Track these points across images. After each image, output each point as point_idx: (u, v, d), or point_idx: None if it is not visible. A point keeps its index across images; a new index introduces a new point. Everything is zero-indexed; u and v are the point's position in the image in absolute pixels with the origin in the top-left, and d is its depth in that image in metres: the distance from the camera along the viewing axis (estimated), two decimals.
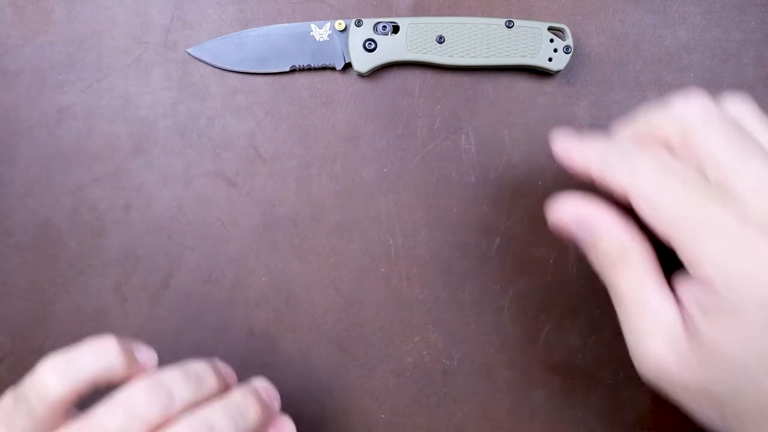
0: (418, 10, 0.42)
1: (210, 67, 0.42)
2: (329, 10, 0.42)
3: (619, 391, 0.41)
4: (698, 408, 0.26)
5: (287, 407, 0.41)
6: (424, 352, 0.41)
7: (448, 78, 0.42)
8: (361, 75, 0.41)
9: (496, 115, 0.42)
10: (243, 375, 0.41)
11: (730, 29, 0.43)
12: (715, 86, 0.42)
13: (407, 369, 0.41)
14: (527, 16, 0.42)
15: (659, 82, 0.42)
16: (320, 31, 0.41)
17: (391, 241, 0.41)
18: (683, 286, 0.26)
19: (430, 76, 0.42)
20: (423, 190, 0.41)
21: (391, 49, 0.41)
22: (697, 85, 0.42)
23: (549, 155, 0.42)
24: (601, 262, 0.28)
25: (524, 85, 0.42)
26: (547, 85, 0.42)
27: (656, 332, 0.26)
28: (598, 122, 0.42)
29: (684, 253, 0.25)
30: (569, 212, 0.29)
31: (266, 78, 0.42)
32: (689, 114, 0.28)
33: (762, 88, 0.42)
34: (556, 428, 0.40)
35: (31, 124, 0.41)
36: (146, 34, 0.42)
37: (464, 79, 0.42)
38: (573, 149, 0.30)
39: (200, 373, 0.30)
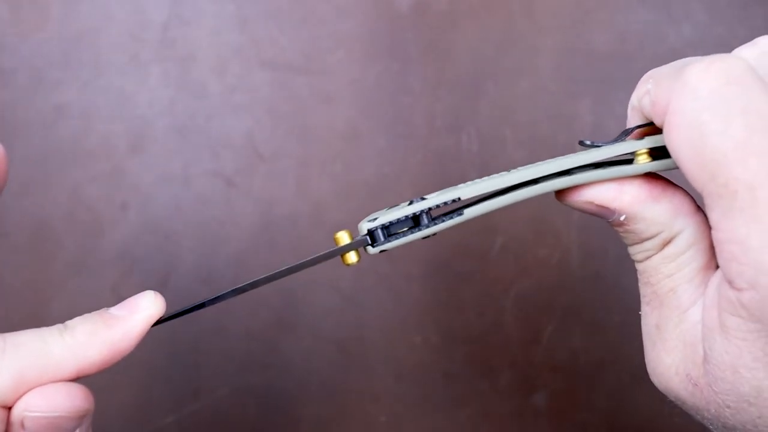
0: (419, 9, 0.42)
1: (208, 65, 0.41)
2: (329, 7, 0.42)
3: (623, 393, 0.40)
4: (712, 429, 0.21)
5: (286, 408, 0.41)
6: (425, 354, 0.40)
7: (449, 76, 0.41)
8: None
9: (498, 113, 0.41)
10: (242, 376, 0.41)
11: (735, 26, 0.42)
12: None
13: (408, 370, 0.40)
14: (529, 15, 0.42)
15: None
16: None
17: None
18: (713, 280, 0.20)
19: (431, 74, 0.41)
20: (424, 189, 0.41)
21: None
22: None
23: (552, 154, 0.41)
24: (636, 245, 0.22)
25: (526, 83, 0.41)
26: (550, 83, 0.41)
27: (676, 351, 0.21)
28: (602, 121, 0.41)
29: (719, 227, 0.18)
30: (594, 193, 0.23)
31: (265, 76, 0.41)
32: None
33: None
34: (559, 431, 0.40)
35: (27, 123, 0.41)
36: (143, 32, 0.41)
37: (465, 78, 0.41)
38: None
39: None
